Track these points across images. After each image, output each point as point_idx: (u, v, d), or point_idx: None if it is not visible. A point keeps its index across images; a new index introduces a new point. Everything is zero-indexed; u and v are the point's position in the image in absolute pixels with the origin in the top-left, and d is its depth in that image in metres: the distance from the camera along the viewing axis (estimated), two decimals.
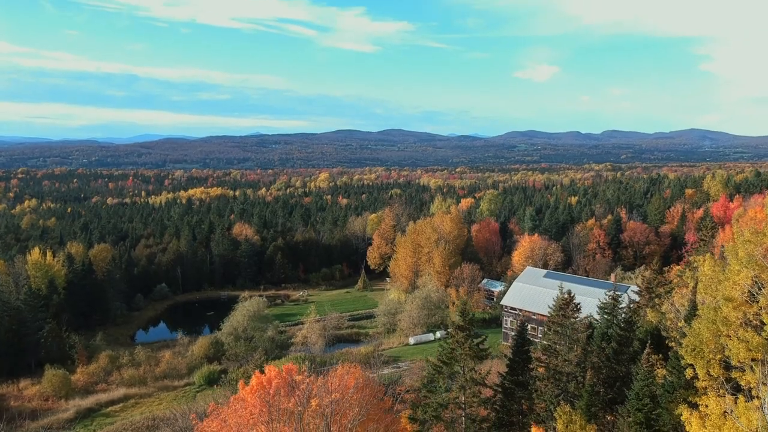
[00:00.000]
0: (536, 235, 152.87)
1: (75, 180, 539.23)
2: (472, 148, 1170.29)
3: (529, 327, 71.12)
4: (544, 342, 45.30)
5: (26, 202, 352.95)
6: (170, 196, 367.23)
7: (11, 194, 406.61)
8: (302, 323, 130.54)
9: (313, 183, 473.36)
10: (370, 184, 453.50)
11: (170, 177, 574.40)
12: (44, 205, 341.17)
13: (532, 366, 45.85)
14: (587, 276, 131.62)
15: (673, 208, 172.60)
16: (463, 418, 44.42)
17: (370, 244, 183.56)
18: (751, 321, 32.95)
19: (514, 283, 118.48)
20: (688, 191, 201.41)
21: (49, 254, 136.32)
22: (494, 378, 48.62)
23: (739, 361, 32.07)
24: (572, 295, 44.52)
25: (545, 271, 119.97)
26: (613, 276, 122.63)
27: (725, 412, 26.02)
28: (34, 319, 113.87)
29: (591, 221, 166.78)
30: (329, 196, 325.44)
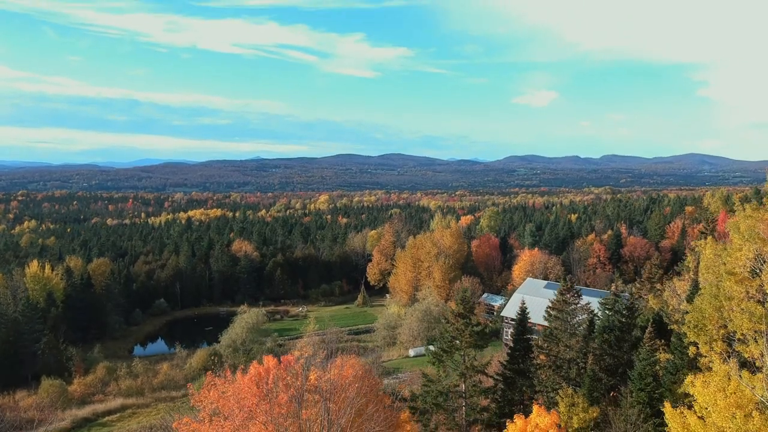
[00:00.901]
0: (536, 249, 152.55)
1: (75, 202, 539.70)
2: (471, 172, 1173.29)
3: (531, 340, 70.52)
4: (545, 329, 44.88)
5: (26, 223, 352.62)
6: (170, 216, 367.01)
7: (11, 215, 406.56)
8: (301, 337, 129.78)
9: (312, 205, 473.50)
10: (370, 205, 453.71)
11: (170, 199, 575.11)
12: (44, 225, 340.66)
13: (533, 355, 45.40)
14: None
15: (673, 223, 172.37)
16: (464, 408, 43.87)
17: (370, 261, 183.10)
18: (753, 295, 32.69)
19: (514, 294, 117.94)
20: (688, 208, 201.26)
21: (47, 267, 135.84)
22: (495, 369, 48.14)
23: (742, 334, 31.74)
24: (573, 280, 44.20)
25: (545, 282, 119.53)
26: (613, 286, 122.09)
27: (729, 374, 25.60)
28: (31, 331, 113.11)
29: (591, 236, 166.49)
30: (329, 216, 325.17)
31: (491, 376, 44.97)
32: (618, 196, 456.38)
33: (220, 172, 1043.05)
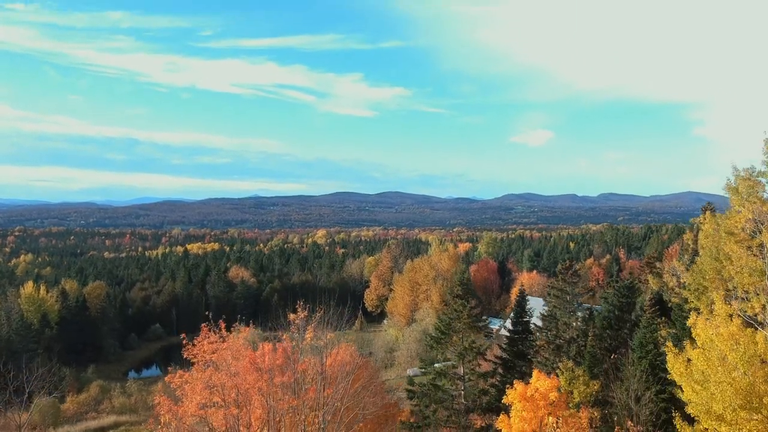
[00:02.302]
0: (534, 272, 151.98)
1: (72, 237, 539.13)
2: (469, 210, 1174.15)
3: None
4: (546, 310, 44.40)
5: (22, 256, 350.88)
6: (167, 250, 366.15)
7: (7, 249, 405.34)
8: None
9: (310, 239, 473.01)
10: (368, 240, 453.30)
11: (167, 235, 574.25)
12: (40, 258, 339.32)
13: (532, 338, 44.83)
14: None
15: (671, 247, 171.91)
16: (463, 391, 43.13)
17: (368, 287, 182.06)
18: (753, 253, 32.41)
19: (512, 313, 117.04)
20: (686, 235, 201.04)
21: (42, 289, 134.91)
22: (495, 353, 47.47)
23: (744, 291, 31.37)
24: (572, 260, 43.86)
25: (543, 300, 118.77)
26: None
27: (731, 315, 25.18)
28: (24, 350, 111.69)
29: (590, 260, 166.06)
30: (327, 248, 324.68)
31: (490, 360, 44.34)
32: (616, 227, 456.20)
33: (218, 210, 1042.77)
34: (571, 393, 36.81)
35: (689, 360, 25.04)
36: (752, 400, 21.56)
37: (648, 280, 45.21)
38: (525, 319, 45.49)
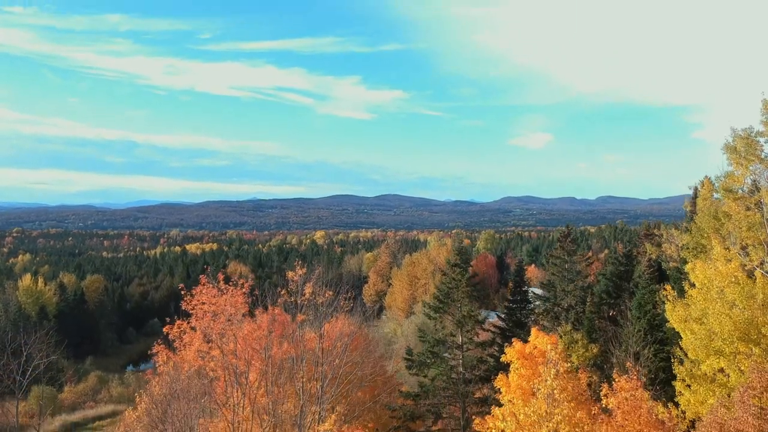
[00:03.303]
0: (533, 266, 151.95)
1: (70, 238, 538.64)
2: (468, 212, 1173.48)
3: None
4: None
5: (20, 256, 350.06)
6: (165, 249, 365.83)
7: (5, 249, 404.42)
8: None
9: (309, 239, 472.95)
10: (367, 240, 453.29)
11: (166, 236, 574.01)
12: (38, 258, 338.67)
13: (531, 307, 44.81)
14: None
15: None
16: (461, 360, 43.06)
17: (366, 283, 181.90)
18: (752, 209, 32.45)
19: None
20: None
21: (41, 281, 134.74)
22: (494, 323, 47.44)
23: (742, 245, 31.40)
24: (570, 228, 43.88)
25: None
26: None
27: (729, 259, 25.20)
28: (22, 342, 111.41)
29: (588, 254, 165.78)
30: (325, 247, 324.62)
31: (489, 330, 44.30)
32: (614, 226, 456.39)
33: (216, 213, 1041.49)
34: (570, 357, 36.81)
35: (688, 304, 25.05)
36: (751, 333, 21.58)
37: (646, 250, 45.27)
38: (523, 289, 45.50)
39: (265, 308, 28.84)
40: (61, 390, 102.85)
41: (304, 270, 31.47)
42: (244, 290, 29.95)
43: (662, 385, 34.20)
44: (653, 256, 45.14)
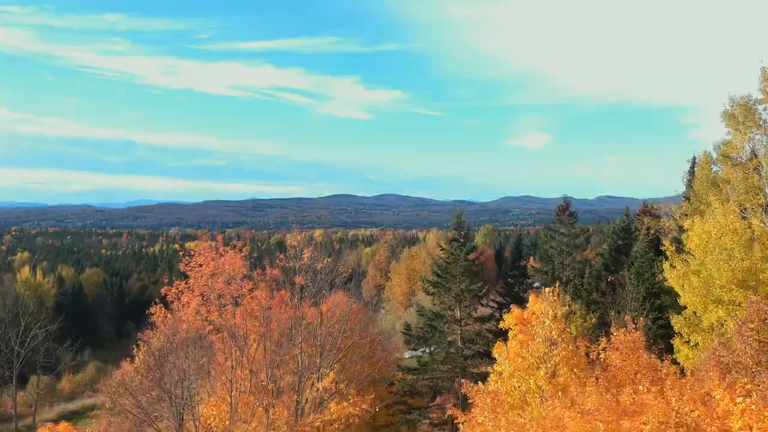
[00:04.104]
0: (531, 259, 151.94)
1: (68, 236, 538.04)
2: (466, 212, 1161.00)
3: None
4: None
5: (18, 254, 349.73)
6: (164, 247, 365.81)
7: (3, 247, 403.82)
8: None
9: (307, 237, 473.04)
10: (366, 237, 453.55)
11: (165, 235, 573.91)
12: (36, 256, 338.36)
13: (529, 281, 44.78)
14: None
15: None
16: (459, 335, 43.06)
17: (365, 277, 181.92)
18: (750, 173, 32.47)
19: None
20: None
21: (39, 274, 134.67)
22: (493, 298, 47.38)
23: (741, 208, 31.41)
24: (568, 203, 43.87)
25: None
26: None
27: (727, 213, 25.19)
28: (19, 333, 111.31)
29: (588, 251, 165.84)
30: (324, 243, 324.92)
31: (487, 305, 44.28)
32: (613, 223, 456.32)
33: (215, 212, 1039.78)
34: (569, 326, 36.75)
35: (686, 260, 25.05)
36: (749, 280, 21.59)
37: (645, 223, 45.25)
38: (522, 264, 45.42)
39: (263, 269, 28.82)
40: (60, 380, 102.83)
41: (303, 235, 31.43)
42: (242, 254, 29.90)
43: (659, 353, 34.17)
44: (651, 230, 45.02)
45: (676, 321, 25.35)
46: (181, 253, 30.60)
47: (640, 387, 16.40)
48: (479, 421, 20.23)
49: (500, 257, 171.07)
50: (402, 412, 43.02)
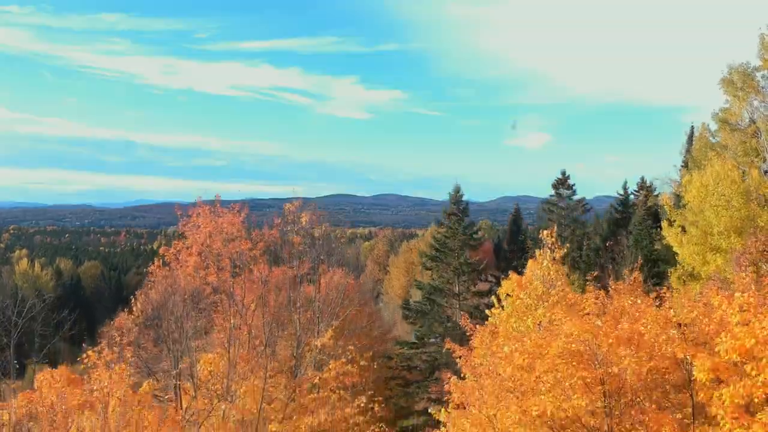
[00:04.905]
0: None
1: (67, 235, 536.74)
2: None
3: None
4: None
5: (16, 252, 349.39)
6: (162, 244, 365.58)
7: (2, 245, 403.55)
8: None
9: None
10: (364, 235, 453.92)
11: (164, 233, 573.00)
12: (35, 253, 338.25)
13: (528, 256, 44.63)
14: None
15: None
16: (458, 309, 43.04)
17: (363, 272, 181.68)
18: (749, 138, 32.51)
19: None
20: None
21: (37, 266, 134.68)
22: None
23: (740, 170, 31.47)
24: (567, 175, 43.82)
25: None
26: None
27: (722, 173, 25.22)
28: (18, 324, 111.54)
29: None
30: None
31: (486, 280, 44.24)
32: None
33: None
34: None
35: (684, 215, 25.08)
36: (746, 227, 21.63)
37: (644, 197, 45.21)
38: (520, 238, 45.44)
39: (260, 227, 28.81)
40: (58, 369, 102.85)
41: (300, 202, 31.46)
42: (241, 217, 29.85)
43: None
44: (650, 201, 44.99)
45: (674, 273, 25.40)
46: (179, 213, 30.53)
47: (639, 300, 16.54)
48: (479, 353, 20.19)
49: (499, 250, 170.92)
50: (400, 386, 43.02)
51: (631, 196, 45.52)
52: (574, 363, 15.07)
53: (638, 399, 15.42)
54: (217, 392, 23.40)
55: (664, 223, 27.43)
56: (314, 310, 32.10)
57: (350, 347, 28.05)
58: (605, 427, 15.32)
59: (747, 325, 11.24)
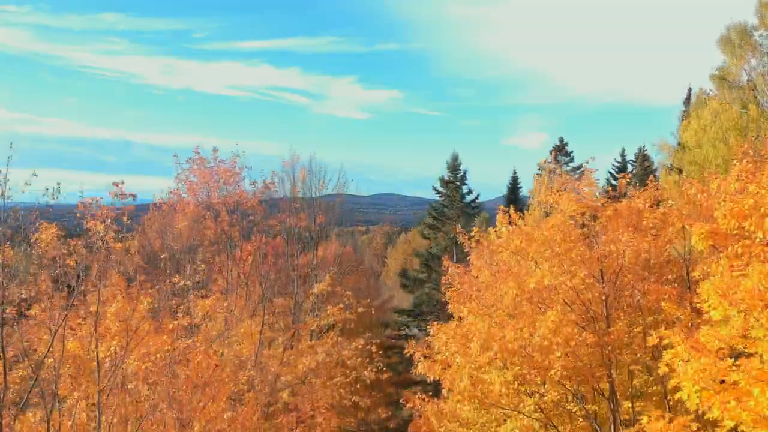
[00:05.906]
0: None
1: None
2: None
3: None
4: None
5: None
6: None
7: None
8: None
9: None
10: (362, 232, 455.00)
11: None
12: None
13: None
14: None
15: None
16: None
17: (361, 264, 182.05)
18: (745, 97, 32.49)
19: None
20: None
21: None
22: None
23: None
24: (565, 142, 43.69)
25: None
26: None
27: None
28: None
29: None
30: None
31: None
32: None
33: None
34: None
35: (681, 158, 25.12)
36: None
37: (641, 155, 45.05)
38: (519, 207, 45.28)
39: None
40: None
41: (298, 155, 31.40)
42: (237, 171, 29.73)
43: None
44: (647, 162, 44.81)
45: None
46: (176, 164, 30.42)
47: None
48: (476, 265, 20.06)
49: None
50: (397, 354, 42.96)
51: (629, 166, 45.26)
52: (572, 237, 15.20)
53: (638, 273, 15.52)
54: (213, 334, 23.31)
55: (661, 172, 27.45)
56: (311, 266, 32.20)
57: (348, 292, 28.03)
58: (603, 299, 15.50)
59: (743, 192, 11.24)
